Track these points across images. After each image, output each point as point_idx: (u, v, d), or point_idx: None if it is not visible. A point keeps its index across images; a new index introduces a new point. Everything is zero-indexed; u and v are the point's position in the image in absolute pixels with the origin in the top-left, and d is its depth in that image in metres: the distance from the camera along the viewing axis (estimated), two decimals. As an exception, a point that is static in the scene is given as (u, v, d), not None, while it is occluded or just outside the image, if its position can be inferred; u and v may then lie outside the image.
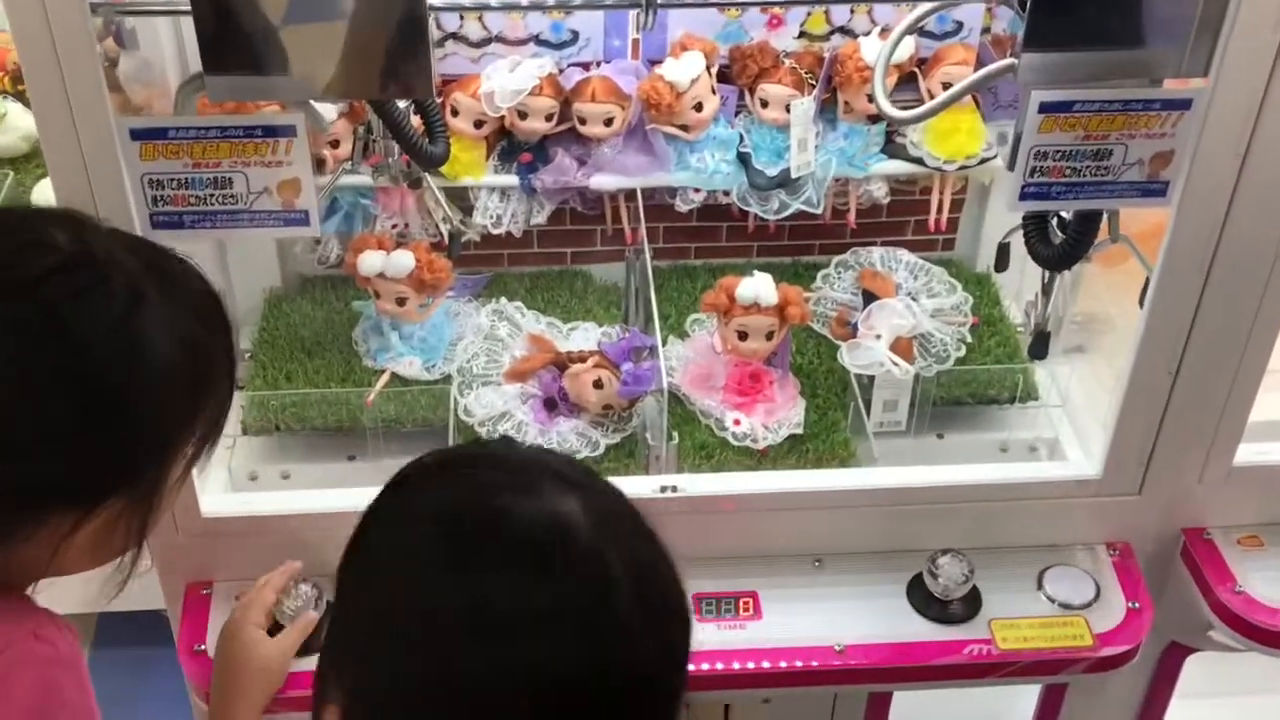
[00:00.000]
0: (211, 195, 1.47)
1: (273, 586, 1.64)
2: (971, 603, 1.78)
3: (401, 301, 1.95)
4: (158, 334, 1.02)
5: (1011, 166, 1.53)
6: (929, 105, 1.63)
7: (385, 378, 1.98)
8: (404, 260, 1.91)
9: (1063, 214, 1.70)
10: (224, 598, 1.75)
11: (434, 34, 1.51)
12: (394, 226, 2.03)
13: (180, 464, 1.09)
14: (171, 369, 1.03)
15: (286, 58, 1.40)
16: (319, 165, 1.87)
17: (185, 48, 1.77)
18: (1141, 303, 1.67)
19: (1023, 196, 1.55)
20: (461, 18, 1.88)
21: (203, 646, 1.70)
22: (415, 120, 1.75)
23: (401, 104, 1.67)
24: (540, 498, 0.96)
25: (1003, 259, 1.94)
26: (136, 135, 1.42)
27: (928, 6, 1.69)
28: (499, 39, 1.93)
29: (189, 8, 1.37)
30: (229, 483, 1.92)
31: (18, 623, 1.07)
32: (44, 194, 2.30)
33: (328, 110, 1.78)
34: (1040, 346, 1.97)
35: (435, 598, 0.92)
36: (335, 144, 1.90)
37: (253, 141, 1.43)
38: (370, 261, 1.91)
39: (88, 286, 1.00)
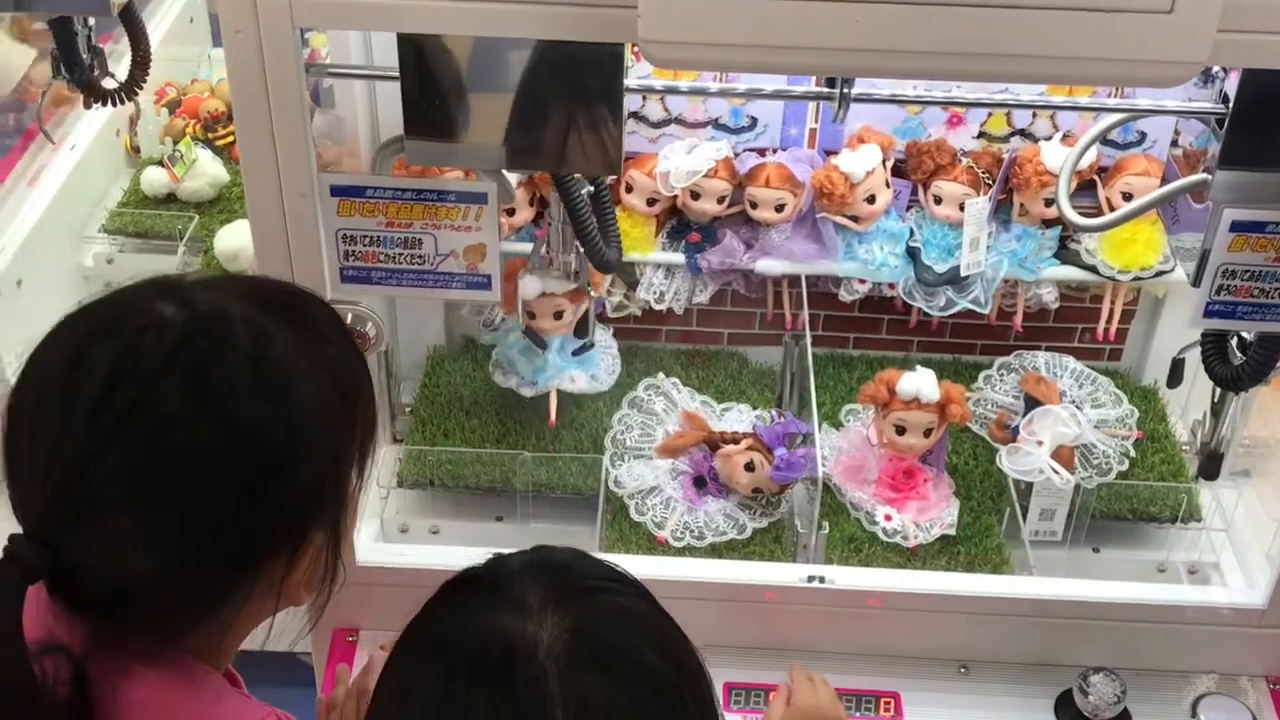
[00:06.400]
0: (400, 254, 1.51)
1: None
2: (1121, 725, 1.72)
3: (559, 314, 1.93)
4: (296, 368, 1.01)
5: (1197, 283, 1.51)
6: (1116, 215, 1.61)
7: (554, 397, 1.98)
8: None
9: (1243, 333, 1.67)
10: (369, 645, 1.78)
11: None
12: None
13: (354, 475, 1.09)
14: (320, 393, 1.02)
15: (485, 128, 1.44)
16: (496, 231, 1.91)
17: (377, 109, 1.84)
18: (1320, 431, 1.62)
19: (1207, 314, 1.52)
20: (644, 98, 1.92)
21: (345, 692, 1.72)
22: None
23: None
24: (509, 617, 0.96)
25: (1176, 375, 1.89)
26: (336, 191, 1.48)
27: (1118, 116, 1.67)
28: (678, 121, 1.96)
29: (397, 74, 1.42)
30: (381, 533, 1.96)
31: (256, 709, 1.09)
32: (227, 239, 2.38)
33: (510, 179, 1.82)
34: (1212, 467, 1.91)
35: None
36: (511, 211, 1.95)
37: (445, 205, 1.48)
38: (533, 283, 1.89)
39: (212, 349, 0.98)
